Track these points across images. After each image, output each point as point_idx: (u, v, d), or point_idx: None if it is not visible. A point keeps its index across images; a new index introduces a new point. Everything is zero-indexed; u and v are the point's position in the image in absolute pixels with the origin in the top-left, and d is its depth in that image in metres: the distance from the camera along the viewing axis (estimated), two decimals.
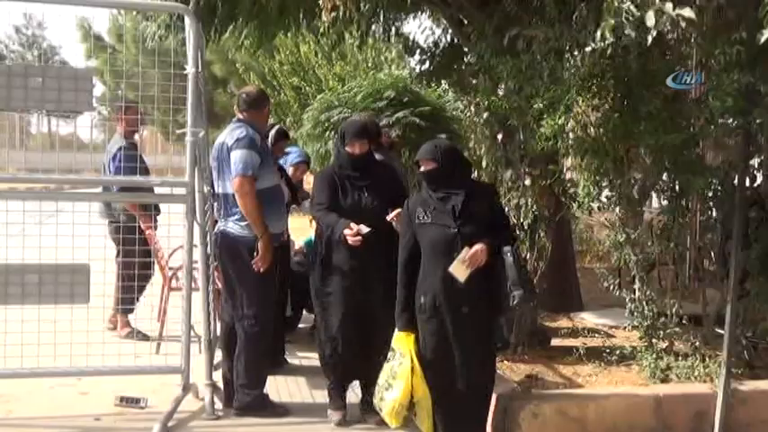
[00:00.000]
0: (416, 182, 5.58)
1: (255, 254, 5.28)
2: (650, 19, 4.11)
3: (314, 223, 5.54)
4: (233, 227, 5.38)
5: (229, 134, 5.44)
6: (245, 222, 5.31)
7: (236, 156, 5.28)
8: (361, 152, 5.18)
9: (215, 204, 5.73)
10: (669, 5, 4.09)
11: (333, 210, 5.12)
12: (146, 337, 6.79)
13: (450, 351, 4.39)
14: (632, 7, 4.21)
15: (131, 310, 7.14)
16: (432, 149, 4.59)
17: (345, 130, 5.27)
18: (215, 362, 5.86)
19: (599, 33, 4.41)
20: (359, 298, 5.15)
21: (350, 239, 4.90)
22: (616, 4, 4.27)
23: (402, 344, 4.49)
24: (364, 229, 4.92)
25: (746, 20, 4.69)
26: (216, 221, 5.73)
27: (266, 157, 5.53)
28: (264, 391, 5.53)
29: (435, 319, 4.41)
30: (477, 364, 4.42)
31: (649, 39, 4.19)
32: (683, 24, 4.15)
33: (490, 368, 4.59)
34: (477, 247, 4.28)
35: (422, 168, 4.58)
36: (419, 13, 8.86)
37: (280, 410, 5.49)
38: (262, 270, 5.30)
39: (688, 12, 4.07)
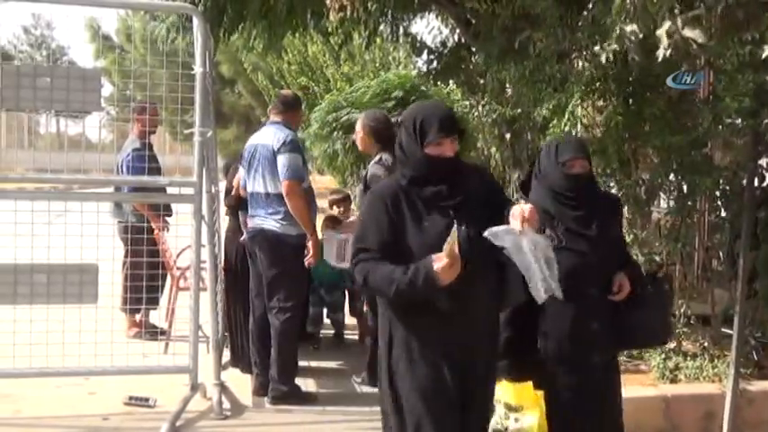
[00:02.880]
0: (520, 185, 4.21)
1: (306, 251, 5.55)
2: (663, 39, 4.09)
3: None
4: (275, 225, 5.55)
5: (273, 137, 5.60)
6: (288, 222, 5.50)
7: (285, 159, 5.49)
8: (451, 153, 3.23)
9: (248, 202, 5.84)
10: (679, 22, 4.07)
11: (388, 255, 3.11)
12: (155, 336, 6.80)
13: (585, 409, 3.68)
14: (635, 28, 4.19)
15: (138, 311, 7.16)
16: (583, 144, 3.81)
17: (424, 118, 3.20)
18: (223, 361, 5.89)
19: (603, 57, 4.41)
20: (457, 386, 3.22)
21: (444, 274, 2.95)
22: (618, 29, 4.25)
23: (520, 396, 3.83)
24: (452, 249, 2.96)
25: (756, 20, 4.67)
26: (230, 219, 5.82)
27: (304, 159, 5.76)
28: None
29: (561, 369, 3.68)
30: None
31: (659, 56, 4.17)
32: (695, 46, 4.12)
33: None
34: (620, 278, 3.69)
35: (573, 171, 3.69)
36: (427, 12, 8.84)
37: (311, 398, 5.73)
38: (312, 266, 5.66)
39: (699, 35, 4.05)
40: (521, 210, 3.03)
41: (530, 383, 3.83)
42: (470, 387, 3.22)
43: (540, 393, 3.79)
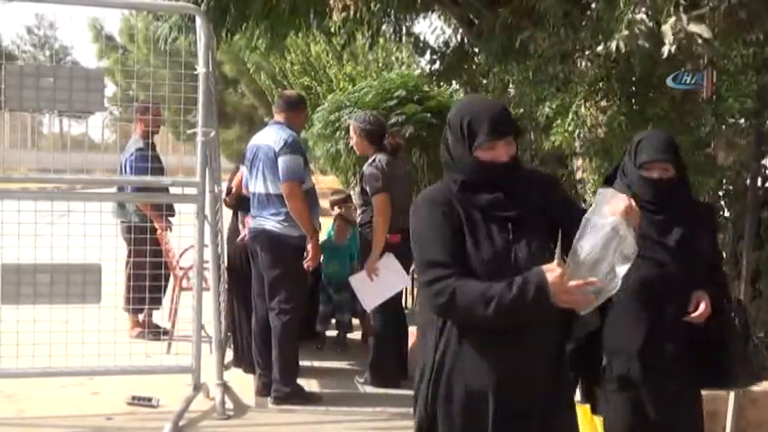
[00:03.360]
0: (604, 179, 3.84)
1: (306, 253, 5.55)
2: (668, 35, 4.09)
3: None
4: (276, 226, 5.54)
5: (274, 137, 5.58)
6: (288, 223, 5.49)
7: (285, 161, 5.46)
8: (507, 158, 2.69)
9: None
10: (684, 17, 4.07)
11: (463, 268, 2.59)
12: (157, 336, 6.80)
13: None
14: (645, 17, 4.18)
15: (141, 311, 7.16)
16: (668, 145, 3.33)
17: (472, 118, 2.67)
18: (225, 361, 5.89)
19: (613, 44, 4.39)
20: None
21: (558, 288, 2.42)
22: (629, 15, 4.25)
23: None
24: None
25: (760, 21, 4.66)
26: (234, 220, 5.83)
27: (306, 160, 5.74)
28: None
29: (626, 394, 3.26)
30: None
31: (665, 52, 4.17)
32: (700, 41, 4.11)
33: None
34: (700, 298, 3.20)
35: (652, 174, 3.29)
36: (429, 12, 8.84)
37: (314, 398, 5.73)
38: (311, 268, 5.67)
39: (704, 30, 4.05)
40: (628, 200, 2.57)
41: (587, 407, 3.47)
42: (509, 418, 2.64)
43: (599, 419, 3.43)
